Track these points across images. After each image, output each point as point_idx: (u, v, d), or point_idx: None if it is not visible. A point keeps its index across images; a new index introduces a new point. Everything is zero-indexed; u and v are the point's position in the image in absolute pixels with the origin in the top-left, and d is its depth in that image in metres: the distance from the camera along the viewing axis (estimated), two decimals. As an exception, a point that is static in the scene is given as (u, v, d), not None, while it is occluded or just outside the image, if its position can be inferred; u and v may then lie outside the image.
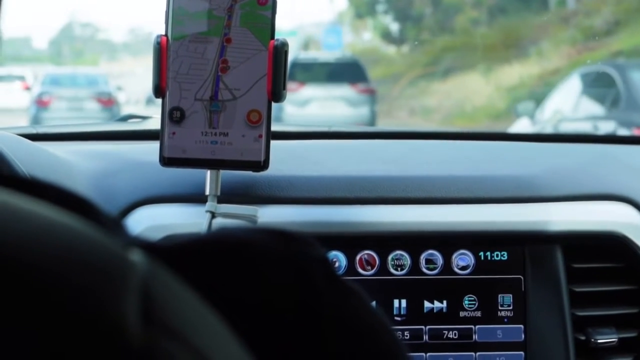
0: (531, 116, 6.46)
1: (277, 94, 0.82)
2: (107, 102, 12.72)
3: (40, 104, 12.29)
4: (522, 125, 6.65)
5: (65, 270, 0.28)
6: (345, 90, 10.94)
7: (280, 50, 0.81)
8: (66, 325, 0.27)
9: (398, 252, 0.93)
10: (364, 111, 10.74)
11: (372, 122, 10.80)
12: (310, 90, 10.77)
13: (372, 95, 11.16)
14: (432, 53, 16.64)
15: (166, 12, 0.82)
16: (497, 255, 0.94)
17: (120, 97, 18.17)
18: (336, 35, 17.85)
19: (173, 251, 0.37)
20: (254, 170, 0.84)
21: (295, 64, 10.97)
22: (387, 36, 20.30)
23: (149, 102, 18.44)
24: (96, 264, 0.29)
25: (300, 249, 0.39)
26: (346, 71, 11.24)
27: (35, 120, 11.73)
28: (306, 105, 10.53)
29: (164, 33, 0.82)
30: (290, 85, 10.42)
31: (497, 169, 1.00)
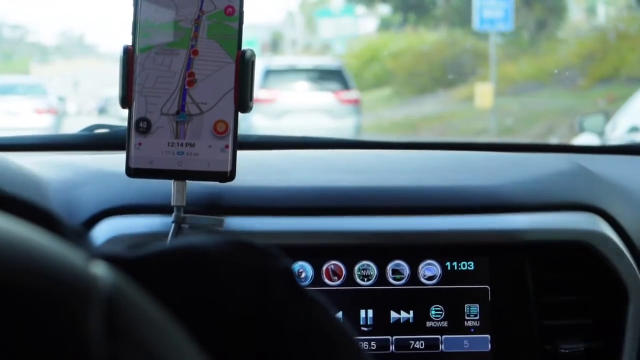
0: (600, 132, 5.91)
1: (244, 104, 0.93)
2: (49, 112, 12.87)
3: None
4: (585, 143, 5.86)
5: (26, 284, 0.31)
6: (327, 101, 11.02)
7: (248, 61, 0.92)
8: (27, 340, 0.30)
9: (364, 262, 1.07)
10: (347, 123, 10.82)
11: (357, 135, 10.86)
12: (287, 101, 10.83)
13: (357, 105, 11.24)
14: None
15: (132, 22, 0.93)
16: (464, 265, 1.09)
17: (70, 107, 18.22)
18: (503, 3, 11.56)
19: (137, 263, 0.40)
20: (220, 181, 0.94)
21: (269, 71, 11.04)
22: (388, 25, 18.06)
23: (101, 112, 18.50)
24: (58, 277, 0.32)
25: (264, 261, 0.44)
26: (328, 79, 11.30)
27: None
28: (283, 116, 10.58)
29: (130, 43, 0.92)
30: (265, 94, 10.50)
31: (465, 179, 1.14)
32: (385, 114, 14.18)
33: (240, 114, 0.95)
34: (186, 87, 0.93)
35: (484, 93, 12.32)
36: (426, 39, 16.39)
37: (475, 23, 12.11)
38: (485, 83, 12.42)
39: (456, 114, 12.84)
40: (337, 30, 16.52)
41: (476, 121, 12.05)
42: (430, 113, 13.22)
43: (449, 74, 14.21)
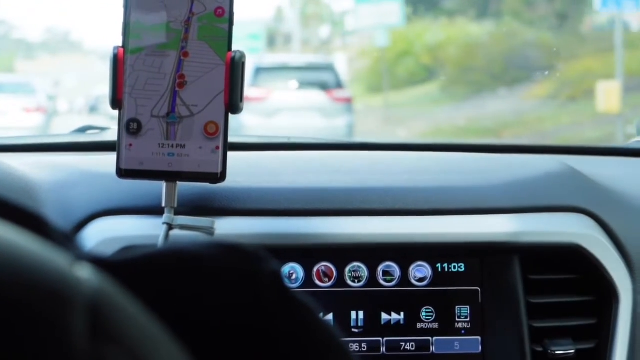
0: None
1: (234, 106, 0.94)
2: (38, 111, 12.89)
3: None
4: None
5: (6, 288, 0.31)
6: (319, 99, 11.03)
7: (238, 63, 0.94)
8: (8, 344, 0.30)
9: (355, 263, 1.09)
10: (340, 122, 10.84)
11: (349, 134, 10.88)
12: (279, 99, 10.84)
13: (349, 104, 11.25)
14: None
15: (123, 23, 0.94)
16: (455, 267, 1.10)
17: (61, 105, 18.29)
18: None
19: (124, 267, 0.41)
20: (211, 182, 0.96)
21: (259, 69, 11.05)
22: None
23: (92, 110, 18.56)
24: (40, 281, 0.32)
25: (252, 264, 0.44)
26: (320, 77, 11.31)
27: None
28: (274, 115, 10.59)
29: (120, 44, 0.94)
30: (255, 93, 10.50)
31: (455, 180, 1.15)
32: (439, 117, 12.35)
33: (230, 115, 0.96)
34: (176, 89, 0.94)
35: (609, 93, 9.92)
36: (470, 30, 14.68)
37: (597, 4, 10.49)
38: (611, 81, 10.17)
39: (544, 118, 10.94)
40: (378, 18, 13.99)
41: (579, 128, 10.00)
42: (501, 115, 11.32)
43: (514, 69, 12.22)
